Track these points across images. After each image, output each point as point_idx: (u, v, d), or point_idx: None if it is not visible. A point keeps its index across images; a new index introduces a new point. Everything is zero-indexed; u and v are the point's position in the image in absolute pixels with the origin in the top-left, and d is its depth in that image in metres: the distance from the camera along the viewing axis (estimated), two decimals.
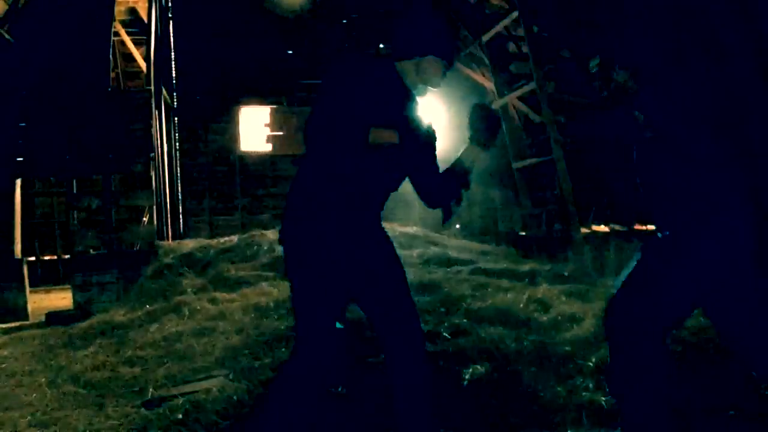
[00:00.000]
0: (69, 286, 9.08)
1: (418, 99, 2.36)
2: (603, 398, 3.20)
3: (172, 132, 11.08)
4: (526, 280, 6.08)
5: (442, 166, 2.41)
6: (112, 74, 11.35)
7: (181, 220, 10.96)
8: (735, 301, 2.33)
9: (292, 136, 11.72)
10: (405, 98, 2.33)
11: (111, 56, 9.77)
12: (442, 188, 2.39)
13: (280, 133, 11.78)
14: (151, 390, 3.81)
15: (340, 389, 3.41)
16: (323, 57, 11.95)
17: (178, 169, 11.10)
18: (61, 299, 9.56)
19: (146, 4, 10.06)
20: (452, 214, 2.47)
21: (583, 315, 4.50)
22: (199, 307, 5.62)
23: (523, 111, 10.22)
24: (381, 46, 12.19)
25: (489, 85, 10.93)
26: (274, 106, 11.84)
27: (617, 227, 9.07)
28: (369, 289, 2.29)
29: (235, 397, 3.40)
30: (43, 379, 4.25)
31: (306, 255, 2.18)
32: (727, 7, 5.35)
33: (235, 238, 8.11)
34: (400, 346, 2.27)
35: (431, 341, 4.06)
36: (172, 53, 11.01)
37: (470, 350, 3.86)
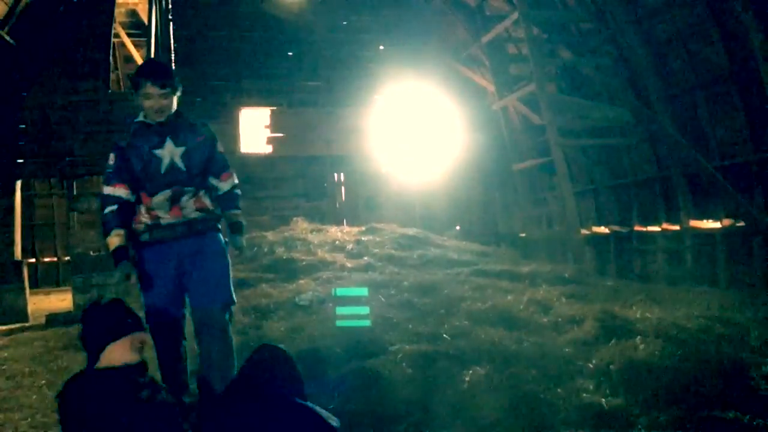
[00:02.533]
0: (69, 288, 9.08)
1: None
2: (603, 399, 3.20)
3: None
4: (527, 281, 6.05)
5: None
6: (113, 76, 11.36)
7: None
8: None
9: (293, 137, 11.69)
10: None
11: (111, 58, 9.78)
12: None
13: (281, 134, 11.74)
14: None
15: None
16: (323, 58, 11.95)
17: None
18: (61, 301, 9.56)
19: (146, 7, 10.08)
20: None
21: (583, 317, 4.48)
22: None
23: (523, 112, 10.22)
24: (381, 47, 12.18)
25: (489, 86, 10.92)
26: (274, 108, 11.80)
27: (617, 228, 9.06)
28: None
29: None
30: (44, 381, 4.26)
31: None
32: None
33: None
34: None
35: (431, 342, 4.05)
36: (172, 55, 10.99)
37: (470, 352, 3.84)
